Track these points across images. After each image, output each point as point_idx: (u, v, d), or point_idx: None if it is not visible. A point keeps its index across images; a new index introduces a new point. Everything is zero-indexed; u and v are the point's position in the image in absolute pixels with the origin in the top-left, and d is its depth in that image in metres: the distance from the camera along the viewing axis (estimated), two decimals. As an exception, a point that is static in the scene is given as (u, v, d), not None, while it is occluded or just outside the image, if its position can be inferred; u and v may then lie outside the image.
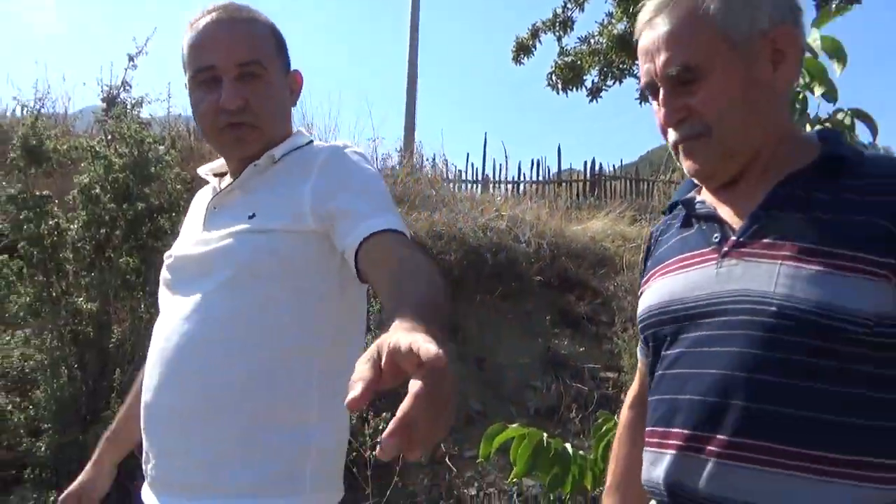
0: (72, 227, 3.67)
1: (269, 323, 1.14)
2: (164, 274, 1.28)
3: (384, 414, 3.06)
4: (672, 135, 1.01)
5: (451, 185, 9.32)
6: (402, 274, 0.96)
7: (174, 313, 1.19)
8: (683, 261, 1.03)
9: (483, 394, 4.68)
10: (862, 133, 1.66)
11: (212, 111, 1.19)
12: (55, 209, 3.69)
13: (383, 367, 0.64)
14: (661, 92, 1.00)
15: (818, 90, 1.66)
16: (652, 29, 1.01)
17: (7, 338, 3.78)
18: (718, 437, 0.89)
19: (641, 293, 1.13)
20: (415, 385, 0.59)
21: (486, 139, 11.61)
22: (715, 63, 0.97)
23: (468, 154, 12.35)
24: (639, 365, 1.26)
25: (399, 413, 0.57)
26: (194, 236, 1.26)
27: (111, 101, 4.37)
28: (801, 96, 1.71)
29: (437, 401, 0.59)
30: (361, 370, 0.63)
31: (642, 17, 1.03)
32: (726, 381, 0.90)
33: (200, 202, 1.36)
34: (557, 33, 6.01)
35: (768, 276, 0.90)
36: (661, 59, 0.98)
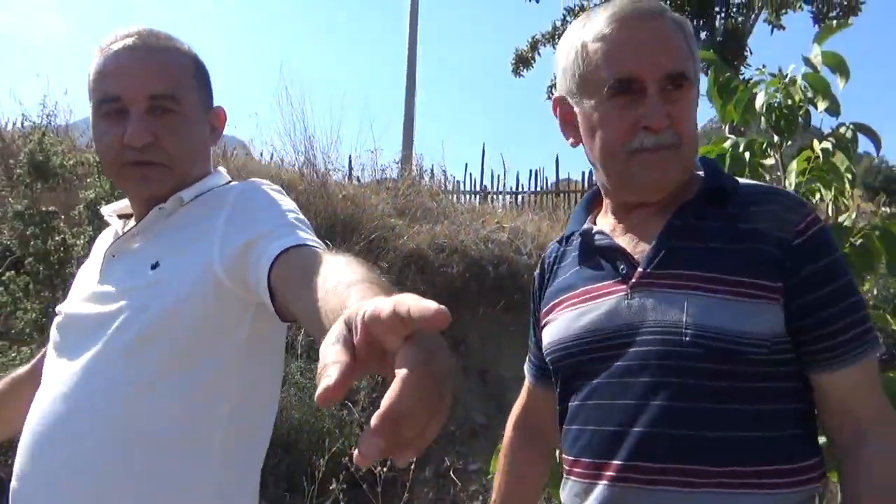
0: (78, 242, 3.69)
1: (159, 404, 0.98)
2: (53, 333, 1.12)
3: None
4: (648, 139, 0.97)
5: (451, 196, 9.35)
6: (335, 264, 0.78)
7: (55, 384, 1.02)
8: (590, 293, 1.04)
9: (486, 406, 4.68)
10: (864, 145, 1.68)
11: (116, 146, 1.06)
12: (61, 225, 3.71)
13: (357, 345, 0.49)
14: (650, 91, 0.97)
15: (821, 105, 1.68)
16: (652, 25, 0.98)
17: (13, 354, 3.78)
18: (647, 465, 0.93)
19: (545, 324, 1.12)
20: (402, 366, 0.45)
21: (484, 150, 11.62)
22: (690, 83, 1.00)
23: (466, 165, 12.35)
24: (527, 385, 1.29)
25: (383, 405, 0.43)
26: (87, 289, 1.11)
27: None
28: (804, 111, 1.73)
29: (431, 386, 0.45)
30: (331, 353, 0.47)
31: (638, 9, 1.00)
32: (648, 411, 0.94)
33: (100, 247, 1.19)
34: (556, 45, 6.07)
35: (678, 306, 0.94)
36: (664, 57, 0.98)
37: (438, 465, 3.94)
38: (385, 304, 0.47)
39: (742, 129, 2.14)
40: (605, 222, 1.10)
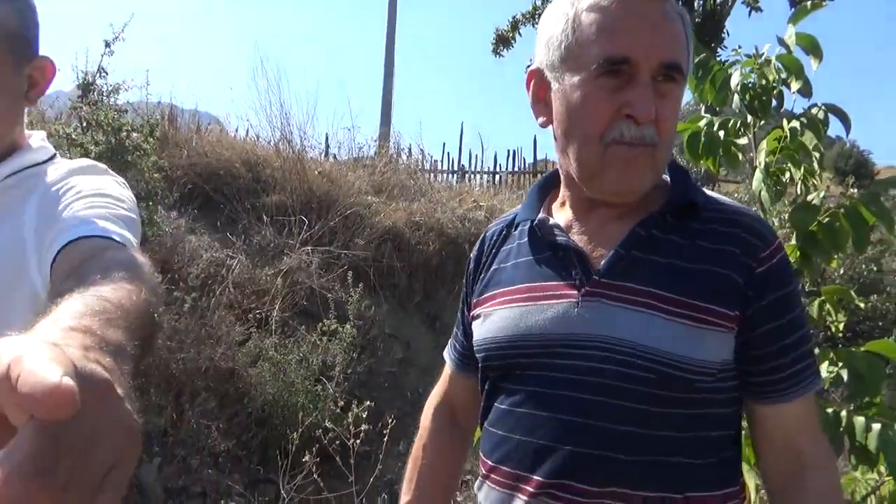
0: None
1: None
2: None
3: (367, 402, 3.09)
4: (630, 130, 0.89)
5: (429, 175, 9.32)
6: (94, 263, 0.68)
7: None
8: (536, 291, 0.96)
9: (461, 383, 4.71)
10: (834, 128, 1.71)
11: None
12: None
13: None
14: (642, 78, 0.88)
15: (794, 85, 1.69)
16: (655, 6, 0.90)
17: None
18: (573, 484, 0.87)
19: (478, 315, 1.03)
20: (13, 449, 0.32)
21: (462, 129, 11.59)
22: (683, 80, 0.93)
23: (444, 144, 12.30)
24: (447, 372, 1.22)
25: None
26: None
27: (87, 87, 4.30)
28: (777, 91, 1.75)
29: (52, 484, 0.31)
30: None
31: None
32: (582, 429, 0.88)
33: None
34: (537, 25, 6.03)
35: (631, 324, 0.88)
36: (662, 44, 0.89)
37: (411, 440, 3.97)
38: (7, 353, 0.34)
39: (718, 109, 2.16)
40: (561, 215, 1.02)
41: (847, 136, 1.78)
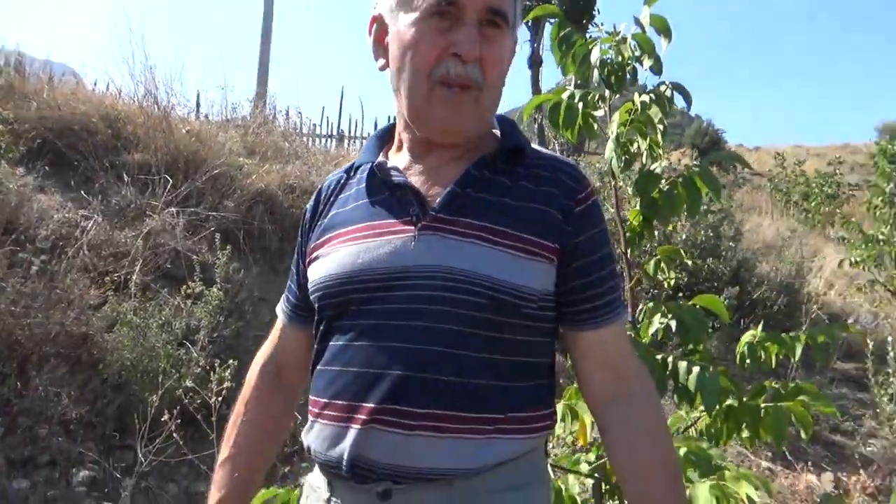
0: None
1: None
2: None
3: (231, 361, 3.02)
4: (456, 67, 0.95)
5: (306, 138, 9.10)
6: None
7: None
8: (374, 229, 1.00)
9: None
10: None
11: None
12: None
13: None
14: (468, 19, 0.96)
15: (647, 63, 1.81)
16: None
17: None
18: (402, 408, 0.91)
19: (315, 258, 1.06)
20: None
21: (342, 93, 11.41)
22: (507, 27, 1.00)
23: (324, 108, 12.02)
24: (279, 325, 1.23)
25: None
26: None
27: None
28: (631, 67, 1.86)
29: None
30: None
31: None
32: (417, 354, 0.92)
33: None
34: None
35: (464, 254, 0.94)
36: None
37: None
38: None
39: (580, 82, 2.27)
40: (399, 159, 1.07)
41: (689, 109, 1.93)
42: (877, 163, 7.30)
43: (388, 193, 1.02)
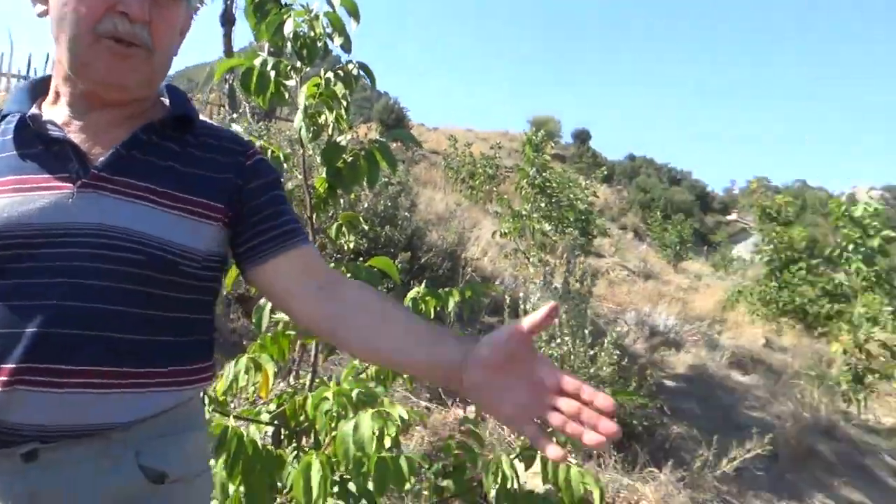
0: None
1: None
2: None
3: None
4: (123, 25, 0.95)
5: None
6: None
7: None
8: (24, 183, 0.95)
9: None
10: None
11: None
12: None
13: None
14: None
15: (338, 40, 1.92)
16: None
17: None
18: (48, 366, 0.89)
19: None
20: None
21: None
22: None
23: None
24: None
25: None
26: None
27: None
28: (323, 43, 1.97)
29: None
30: None
31: None
32: (71, 311, 0.90)
33: None
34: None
35: (125, 213, 0.95)
36: None
37: None
38: None
39: (273, 49, 2.31)
40: (55, 112, 1.02)
41: (374, 88, 2.12)
42: (525, 150, 8.60)
43: (42, 148, 0.98)
